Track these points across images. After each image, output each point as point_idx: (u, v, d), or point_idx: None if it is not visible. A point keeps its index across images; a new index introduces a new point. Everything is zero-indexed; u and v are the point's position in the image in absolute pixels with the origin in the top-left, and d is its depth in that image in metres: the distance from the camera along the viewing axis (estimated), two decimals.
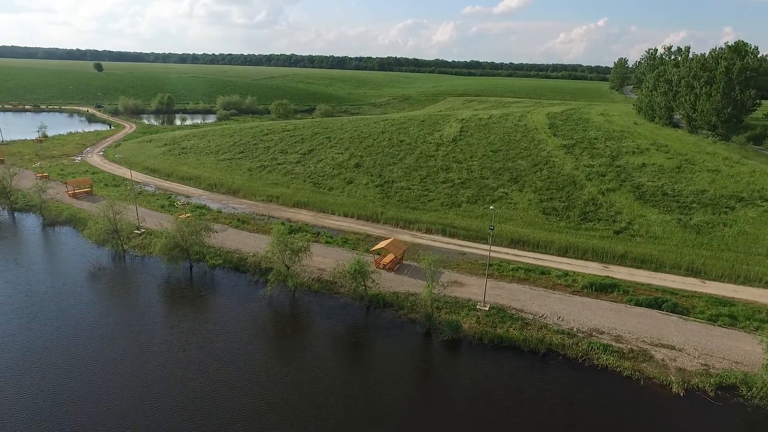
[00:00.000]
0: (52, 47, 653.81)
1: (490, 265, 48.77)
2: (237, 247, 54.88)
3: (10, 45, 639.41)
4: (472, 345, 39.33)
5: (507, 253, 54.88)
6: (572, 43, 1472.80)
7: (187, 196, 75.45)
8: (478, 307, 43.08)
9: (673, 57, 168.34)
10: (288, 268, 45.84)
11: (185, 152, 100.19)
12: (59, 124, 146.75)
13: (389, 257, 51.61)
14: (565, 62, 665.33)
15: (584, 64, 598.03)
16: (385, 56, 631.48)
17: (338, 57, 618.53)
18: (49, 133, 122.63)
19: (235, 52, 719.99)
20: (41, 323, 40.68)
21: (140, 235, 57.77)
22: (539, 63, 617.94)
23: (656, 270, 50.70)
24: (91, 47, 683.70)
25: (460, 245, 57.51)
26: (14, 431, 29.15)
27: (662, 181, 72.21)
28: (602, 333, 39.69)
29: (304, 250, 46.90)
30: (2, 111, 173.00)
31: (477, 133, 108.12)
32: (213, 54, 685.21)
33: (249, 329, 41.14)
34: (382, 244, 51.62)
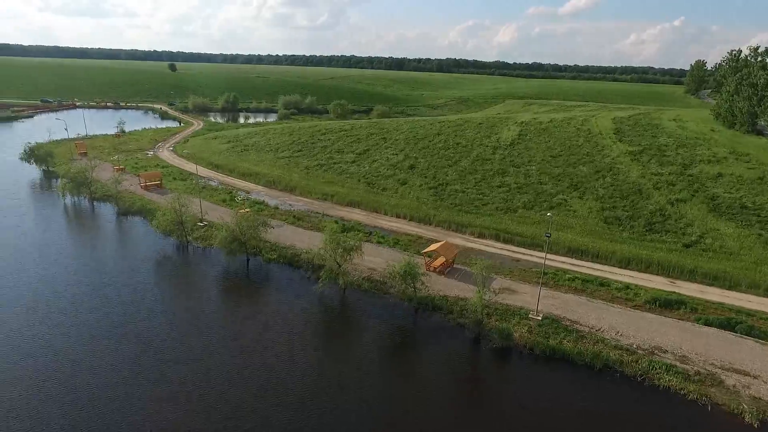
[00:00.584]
0: (132, 48, 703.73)
1: (545, 273, 47.12)
2: (291, 243, 56.41)
3: (96, 47, 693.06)
4: (522, 355, 38.18)
5: (563, 262, 52.80)
6: (644, 44, 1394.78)
7: (247, 192, 78.54)
8: (530, 315, 41.75)
9: (759, 59, 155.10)
10: (339, 266, 46.56)
11: (247, 149, 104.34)
12: (135, 121, 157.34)
13: (440, 260, 51.14)
14: (635, 64, 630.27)
15: (656, 67, 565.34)
16: (444, 58, 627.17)
17: (397, 58, 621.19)
18: (127, 129, 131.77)
19: (297, 53, 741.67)
20: (113, 302, 43.79)
21: (203, 227, 60.73)
22: (606, 65, 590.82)
23: (730, 288, 46.92)
24: (167, 48, 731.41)
25: (513, 251, 56.01)
26: (92, 391, 31.51)
27: (741, 193, 66.72)
28: (665, 352, 37.24)
29: (356, 249, 47.47)
30: (88, 108, 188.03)
31: (536, 137, 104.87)
32: (276, 55, 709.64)
33: (299, 323, 42.15)
34: (433, 247, 51.24)
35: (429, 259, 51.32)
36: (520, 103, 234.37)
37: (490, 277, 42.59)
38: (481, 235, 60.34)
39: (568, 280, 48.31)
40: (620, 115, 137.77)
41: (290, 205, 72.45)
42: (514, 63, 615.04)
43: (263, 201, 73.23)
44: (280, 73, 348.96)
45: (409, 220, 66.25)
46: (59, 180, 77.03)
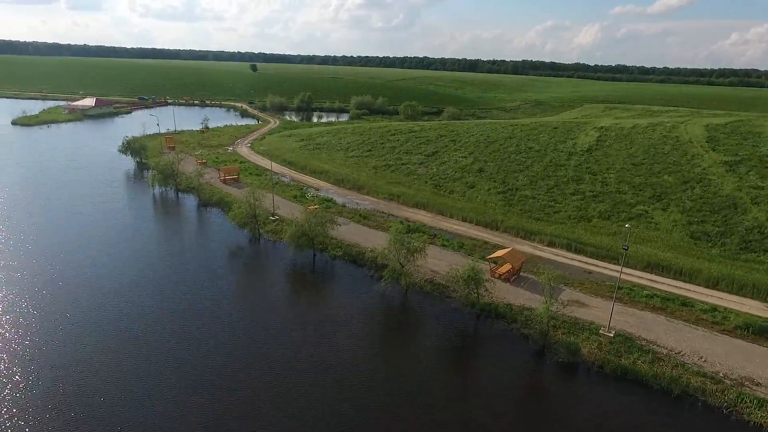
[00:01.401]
0: (219, 50, 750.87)
1: (620, 288, 44.26)
2: (357, 241, 57.32)
3: (187, 49, 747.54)
4: (590, 372, 36.12)
5: (641, 278, 49.31)
6: (747, 44, 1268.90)
7: (317, 189, 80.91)
8: (601, 331, 39.39)
9: None
10: (402, 266, 46.62)
11: (319, 148, 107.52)
12: (218, 118, 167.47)
13: (506, 267, 49.67)
14: (736, 67, 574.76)
15: (761, 69, 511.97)
16: (520, 59, 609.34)
17: (470, 60, 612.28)
18: (210, 125, 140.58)
19: (371, 54, 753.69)
20: (190, 286, 46.91)
21: (274, 221, 63.35)
22: (701, 68, 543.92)
23: None
24: (250, 50, 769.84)
25: (585, 263, 53.16)
26: (167, 366, 33.99)
27: None
28: (758, 384, 33.60)
29: (420, 250, 47.31)
30: (177, 105, 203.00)
31: (617, 143, 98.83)
32: (351, 56, 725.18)
33: (361, 319, 42.71)
34: (499, 253, 49.89)
35: (494, 265, 50.01)
36: (599, 107, 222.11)
37: (558, 287, 40.76)
38: (551, 244, 57.87)
39: (646, 296, 45.04)
40: (715, 121, 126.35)
41: (357, 203, 73.68)
42: (596, 65, 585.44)
43: (331, 198, 75.07)
44: (353, 74, 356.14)
45: (475, 224, 64.97)
46: (150, 171, 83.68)
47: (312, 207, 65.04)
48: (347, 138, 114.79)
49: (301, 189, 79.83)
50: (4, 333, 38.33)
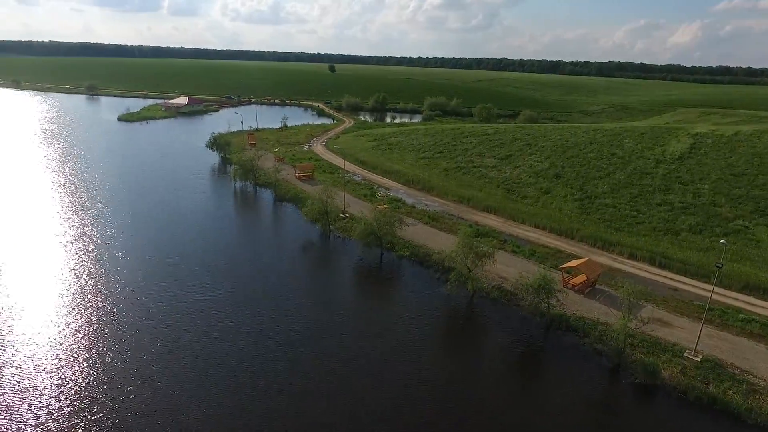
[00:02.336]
0: (300, 51, 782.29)
1: (711, 309, 40.45)
2: (424, 242, 57.15)
3: (271, 50, 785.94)
4: (671, 397, 33.35)
5: (737, 299, 44.73)
6: None
7: (387, 189, 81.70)
8: (686, 354, 36.24)
9: None
10: (470, 270, 45.81)
11: (391, 148, 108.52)
12: (296, 117, 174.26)
13: (580, 278, 47.18)
14: None
15: None
16: (606, 60, 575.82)
17: (551, 61, 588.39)
18: (288, 124, 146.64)
19: (447, 55, 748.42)
20: (264, 274, 49.30)
21: (344, 219, 64.83)
22: None
23: None
24: (329, 51, 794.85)
25: (671, 279, 49.17)
26: (241, 350, 36.04)
27: None
28: None
29: (488, 255, 46.26)
30: (259, 104, 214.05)
31: (713, 152, 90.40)
32: (426, 57, 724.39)
33: (424, 321, 42.54)
34: (573, 263, 47.52)
35: (568, 275, 47.70)
36: (695, 112, 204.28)
37: (638, 303, 38.06)
38: (631, 256, 54.19)
39: (742, 321, 40.80)
40: None
41: (426, 205, 73.47)
42: (693, 67, 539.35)
43: (401, 199, 75.45)
44: (428, 75, 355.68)
45: (549, 231, 62.34)
46: (232, 166, 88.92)
47: (382, 206, 65.76)
48: (419, 139, 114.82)
49: (372, 188, 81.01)
50: (105, 299, 42.51)
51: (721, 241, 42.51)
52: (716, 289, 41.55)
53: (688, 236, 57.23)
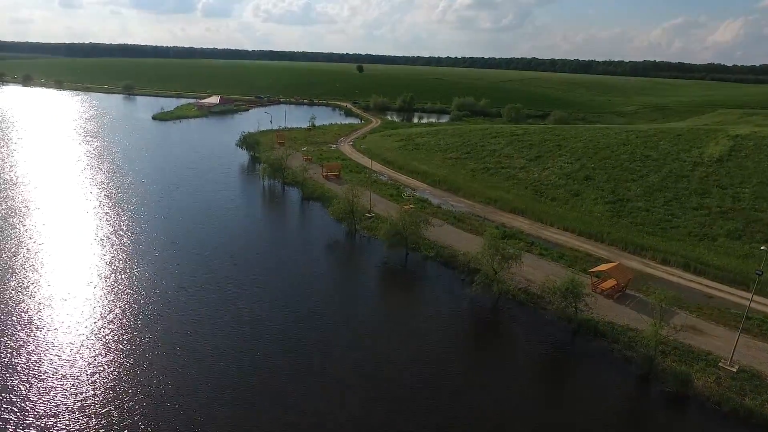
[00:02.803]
0: (329, 52, 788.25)
1: (749, 317, 38.86)
2: (450, 243, 56.83)
3: (301, 51, 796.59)
4: (704, 408, 32.20)
5: None
6: None
7: (413, 189, 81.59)
8: (721, 364, 34.93)
9: None
10: (496, 272, 45.31)
11: (417, 148, 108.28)
12: (324, 116, 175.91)
13: (610, 282, 46.05)
14: None
15: None
16: (641, 60, 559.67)
17: (583, 61, 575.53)
18: (317, 123, 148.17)
19: (476, 55, 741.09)
20: (289, 269, 50.01)
21: (370, 218, 65.08)
22: None
23: None
24: (358, 51, 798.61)
25: (706, 285, 47.48)
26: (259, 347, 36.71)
27: None
28: None
29: (515, 257, 45.68)
30: (288, 103, 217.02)
31: (755, 154, 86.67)
32: (455, 57, 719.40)
33: (449, 323, 42.31)
34: (603, 267, 46.43)
35: (597, 279, 46.63)
36: (736, 113, 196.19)
37: (671, 309, 36.90)
38: (664, 262, 52.58)
39: None
40: None
41: (452, 205, 73.03)
42: (734, 66, 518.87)
43: (427, 199, 75.21)
44: (456, 75, 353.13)
45: (578, 234, 61.07)
46: (261, 165, 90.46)
47: (407, 206, 65.72)
48: (447, 139, 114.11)
49: (398, 188, 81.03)
50: (139, 291, 43.98)
51: (762, 248, 40.63)
52: (755, 298, 39.86)
53: (726, 242, 55.12)
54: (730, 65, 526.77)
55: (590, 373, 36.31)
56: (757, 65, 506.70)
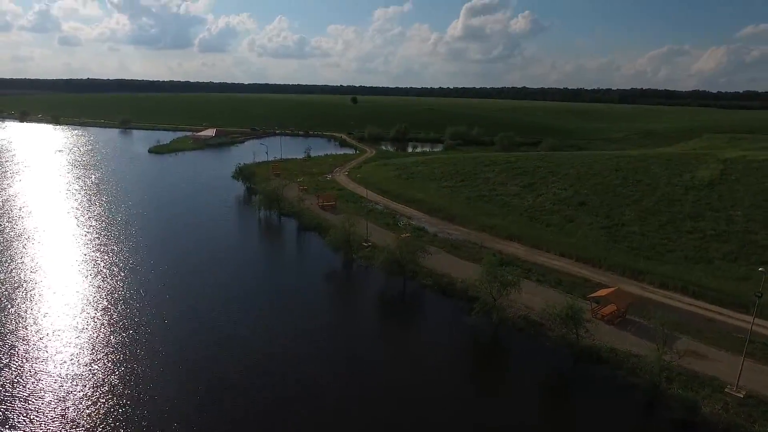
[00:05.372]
0: (324, 84, 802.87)
1: (752, 341, 38.49)
2: (447, 271, 56.54)
3: (296, 83, 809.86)
4: None
5: None
6: None
7: (409, 218, 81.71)
8: (727, 390, 34.40)
9: None
10: (495, 300, 44.97)
11: (412, 177, 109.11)
12: (319, 147, 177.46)
13: (610, 308, 45.76)
14: None
15: None
16: (629, 87, 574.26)
17: (572, 89, 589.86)
18: (312, 154, 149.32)
19: (468, 85, 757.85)
20: (286, 299, 49.37)
21: (367, 247, 64.88)
22: None
23: None
24: (352, 83, 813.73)
25: (706, 309, 47.25)
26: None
27: None
28: None
29: (514, 284, 45.46)
30: (284, 135, 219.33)
31: (745, 178, 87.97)
32: (447, 88, 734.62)
33: (449, 352, 41.68)
34: (602, 292, 46.24)
35: (596, 305, 46.34)
36: (723, 137, 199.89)
37: (672, 334, 36.54)
38: (663, 286, 52.44)
39: None
40: None
41: (449, 233, 73.04)
42: (719, 92, 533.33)
43: (423, 227, 75.26)
44: (449, 105, 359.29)
45: (575, 260, 61.02)
46: (257, 196, 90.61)
47: (404, 235, 65.69)
48: (441, 168, 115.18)
49: (394, 217, 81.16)
50: (132, 320, 43.13)
51: (759, 269, 40.71)
52: (757, 321, 39.61)
53: (723, 264, 55.21)
54: (715, 92, 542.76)
55: (595, 401, 35.61)
56: (741, 91, 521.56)
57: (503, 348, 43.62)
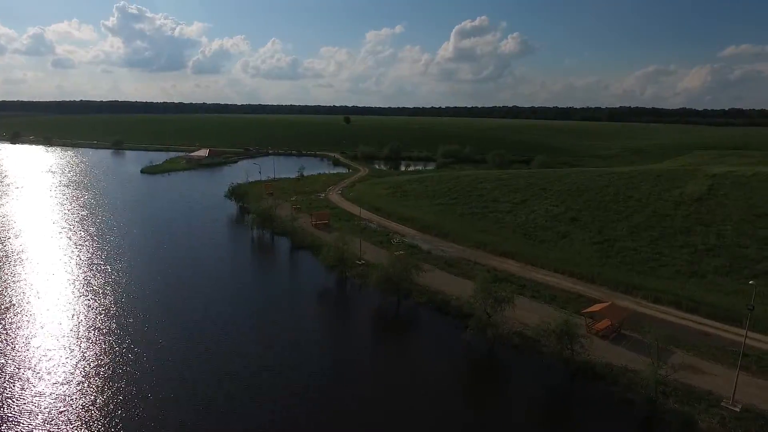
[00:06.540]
0: (316, 104, 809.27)
1: (746, 355, 38.50)
2: (442, 288, 56.37)
3: (289, 104, 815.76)
4: None
5: None
6: None
7: (402, 235, 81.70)
8: (723, 404, 34.24)
9: None
10: (489, 316, 44.80)
11: (405, 195, 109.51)
12: (312, 166, 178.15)
13: (604, 323, 45.69)
14: None
15: None
16: (617, 106, 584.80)
17: (562, 108, 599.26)
18: (305, 173, 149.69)
19: (459, 105, 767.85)
20: (281, 317, 48.81)
21: (360, 265, 64.64)
22: None
23: None
24: (344, 103, 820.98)
25: (700, 323, 47.31)
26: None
27: None
28: None
29: (508, 300, 45.37)
30: (277, 155, 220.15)
31: (733, 192, 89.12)
32: (439, 107, 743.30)
33: (444, 369, 41.22)
34: (596, 308, 46.25)
35: (591, 320, 46.27)
36: (711, 153, 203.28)
37: (667, 349, 36.48)
38: (656, 300, 52.53)
39: None
40: None
41: (442, 250, 73.03)
42: (705, 110, 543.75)
43: (417, 245, 75.22)
44: (441, 124, 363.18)
45: (569, 275, 61.10)
46: (250, 215, 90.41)
47: (398, 253, 65.59)
48: (434, 186, 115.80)
49: (388, 235, 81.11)
50: (124, 344, 42.37)
51: (750, 282, 41.01)
52: (750, 334, 39.72)
53: (715, 278, 55.53)
54: (701, 109, 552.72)
55: (591, 418, 35.28)
56: (726, 109, 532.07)
57: (498, 365, 43.28)
